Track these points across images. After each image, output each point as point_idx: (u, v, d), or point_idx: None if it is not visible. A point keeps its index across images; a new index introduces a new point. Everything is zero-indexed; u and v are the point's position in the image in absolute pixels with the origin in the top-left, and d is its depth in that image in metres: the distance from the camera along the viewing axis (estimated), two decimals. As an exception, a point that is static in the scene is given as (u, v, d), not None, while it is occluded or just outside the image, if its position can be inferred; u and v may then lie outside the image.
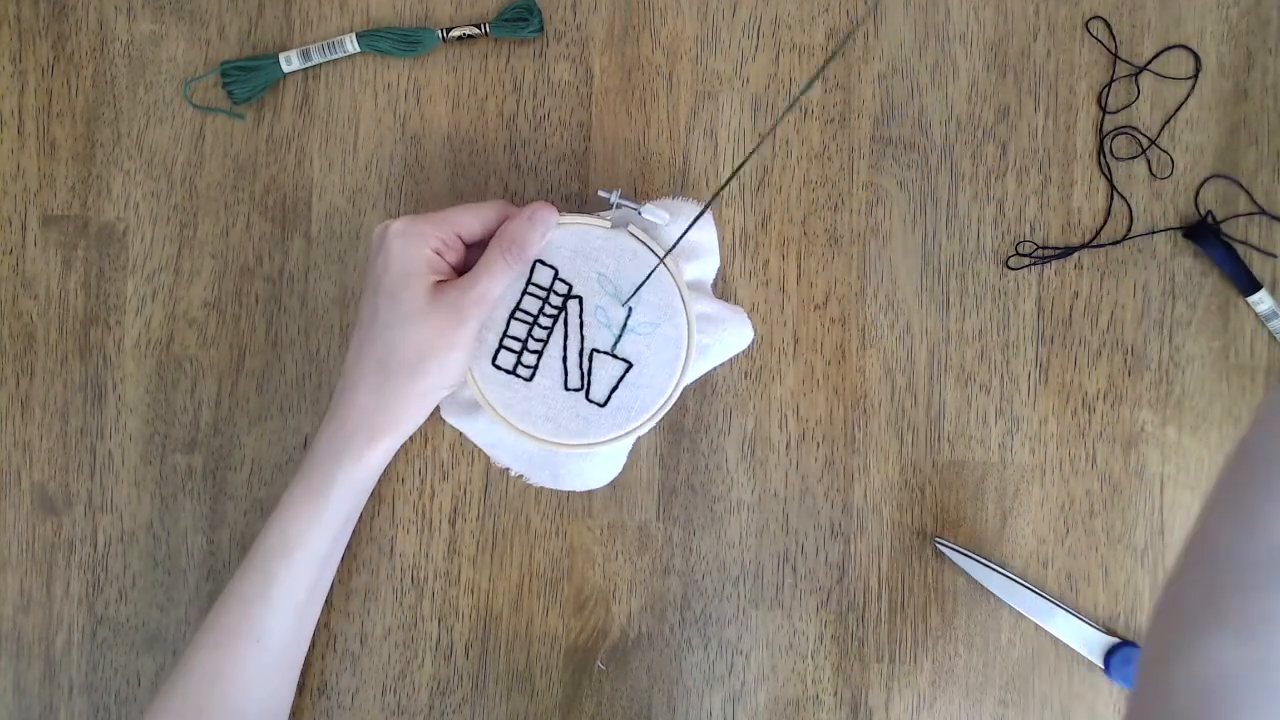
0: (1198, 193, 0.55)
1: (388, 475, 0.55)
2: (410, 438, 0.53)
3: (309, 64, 0.56)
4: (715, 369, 0.55)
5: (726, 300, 0.56)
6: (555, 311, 0.51)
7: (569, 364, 0.51)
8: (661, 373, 0.51)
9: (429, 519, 0.56)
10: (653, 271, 0.50)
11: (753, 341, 0.54)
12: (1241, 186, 0.55)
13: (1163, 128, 0.55)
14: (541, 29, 0.56)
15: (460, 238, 0.50)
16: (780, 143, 0.56)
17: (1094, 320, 0.55)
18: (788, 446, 0.55)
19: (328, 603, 0.55)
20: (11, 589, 0.57)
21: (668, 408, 0.51)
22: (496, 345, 0.51)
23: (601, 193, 0.51)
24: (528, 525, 0.56)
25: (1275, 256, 0.55)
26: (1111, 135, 0.55)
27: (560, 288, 0.51)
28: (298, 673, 0.53)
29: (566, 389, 0.51)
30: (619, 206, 0.51)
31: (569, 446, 0.51)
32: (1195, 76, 0.55)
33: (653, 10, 0.56)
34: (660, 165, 0.56)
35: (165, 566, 0.57)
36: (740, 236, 0.56)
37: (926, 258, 0.56)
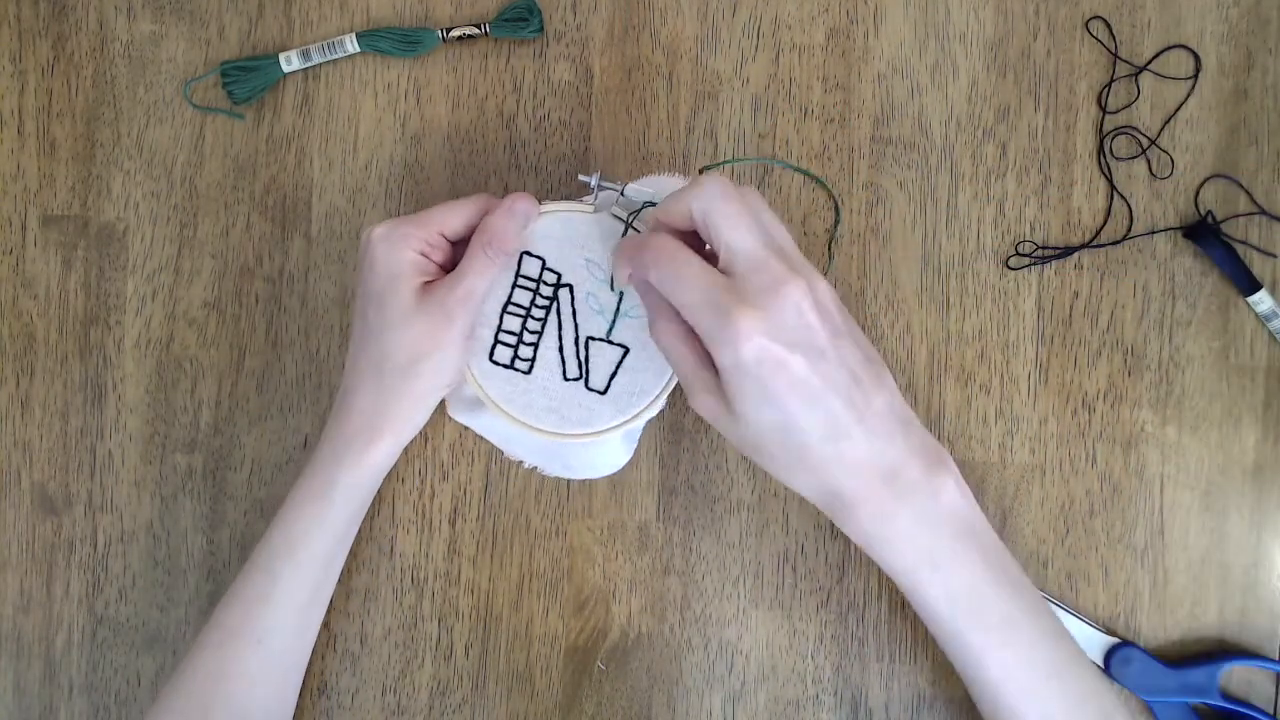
0: (1198, 193, 0.55)
1: (388, 475, 0.55)
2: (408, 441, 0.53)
3: (309, 64, 0.56)
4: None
5: None
6: (547, 302, 0.51)
7: (565, 354, 0.51)
8: (659, 356, 0.50)
9: (429, 519, 0.56)
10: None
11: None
12: (1241, 186, 0.55)
13: (1163, 128, 0.55)
14: (541, 29, 0.56)
15: (444, 236, 0.49)
16: (780, 143, 0.56)
17: (1094, 320, 0.55)
18: (788, 446, 0.55)
19: (329, 603, 0.55)
20: (11, 589, 0.57)
21: (670, 388, 0.50)
22: (492, 340, 0.51)
23: (582, 177, 0.50)
24: (528, 525, 0.56)
25: (1275, 256, 0.55)
26: (1111, 135, 0.55)
27: (549, 277, 0.50)
28: (301, 673, 0.53)
29: (566, 379, 0.51)
30: (601, 189, 0.50)
31: (575, 436, 0.51)
32: (1195, 76, 0.55)
33: (653, 10, 0.56)
34: (660, 165, 0.56)
35: (165, 566, 0.57)
36: (740, 236, 0.56)
37: (926, 258, 0.55)
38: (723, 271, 0.43)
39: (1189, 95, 0.55)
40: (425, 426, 0.54)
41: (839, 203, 0.55)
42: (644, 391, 0.50)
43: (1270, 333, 0.55)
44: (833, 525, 0.55)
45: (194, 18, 0.57)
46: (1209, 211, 0.55)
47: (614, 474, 0.55)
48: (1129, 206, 0.55)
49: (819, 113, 0.56)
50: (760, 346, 0.41)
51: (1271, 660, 0.54)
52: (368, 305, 0.49)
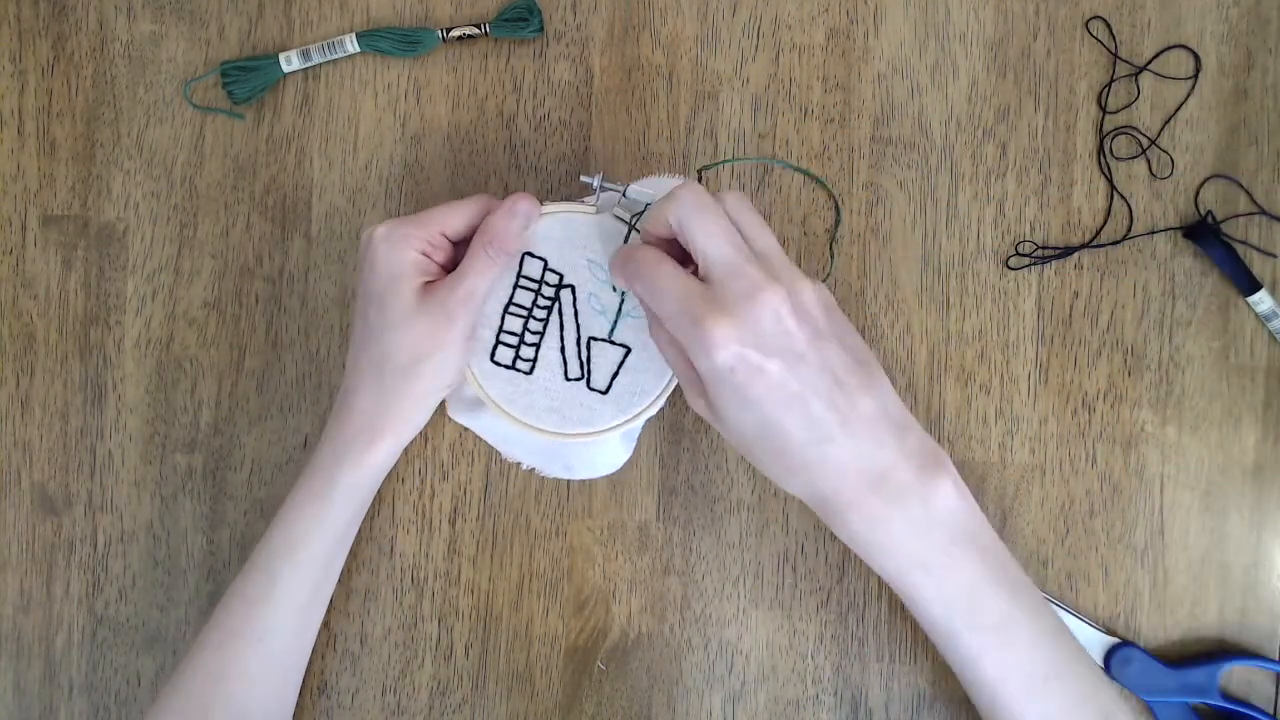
0: (1198, 193, 0.55)
1: (388, 475, 0.55)
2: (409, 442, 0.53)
3: (309, 64, 0.56)
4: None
5: None
6: (548, 303, 0.51)
7: (567, 354, 0.51)
8: (661, 355, 0.49)
9: (429, 519, 0.56)
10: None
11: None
12: (1241, 186, 0.55)
13: (1163, 128, 0.55)
14: (541, 29, 0.56)
15: (446, 236, 0.49)
16: (780, 143, 0.56)
17: (1094, 320, 0.55)
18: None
19: (329, 603, 0.55)
20: (11, 589, 0.57)
21: (670, 388, 0.51)
22: (493, 341, 0.51)
23: (584, 178, 0.50)
24: (528, 525, 0.56)
25: (1275, 256, 0.55)
26: (1111, 135, 0.55)
27: (551, 278, 0.51)
28: (301, 673, 0.53)
29: (567, 379, 0.51)
30: (603, 190, 0.50)
31: (576, 436, 0.51)
32: (1195, 76, 0.55)
33: (653, 10, 0.56)
34: (660, 165, 0.56)
35: (165, 566, 0.57)
36: (740, 236, 0.56)
37: (926, 258, 0.55)
38: (701, 279, 0.43)
39: (1189, 95, 0.55)
40: (425, 427, 0.54)
41: (839, 203, 0.55)
42: (645, 391, 0.51)
43: (1270, 333, 0.55)
44: (833, 525, 0.55)
45: (194, 18, 0.57)
46: (1209, 211, 0.55)
47: (613, 474, 0.55)
48: (1129, 206, 0.55)
49: (819, 113, 0.56)
50: (734, 354, 0.41)
51: (1271, 660, 0.54)
52: (369, 305, 0.49)
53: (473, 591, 0.56)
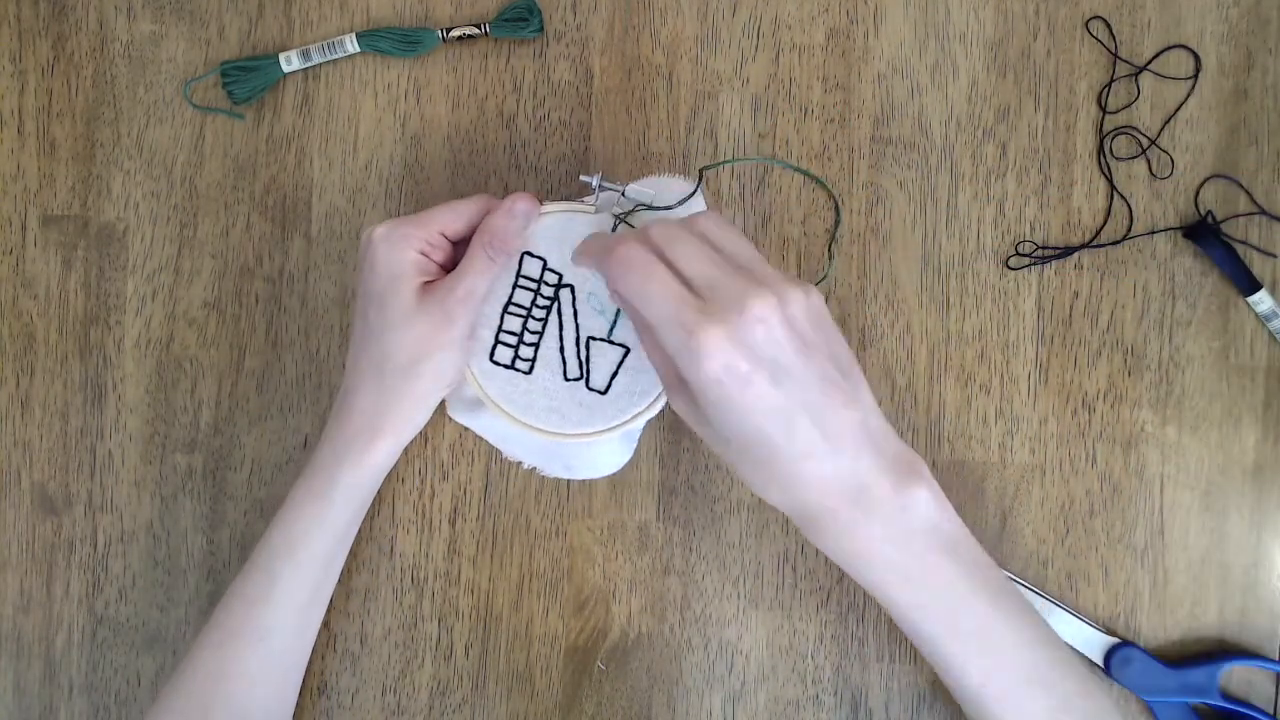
0: (1198, 193, 0.55)
1: (388, 475, 0.55)
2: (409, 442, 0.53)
3: (309, 64, 0.56)
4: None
5: None
6: (547, 302, 0.51)
7: (566, 354, 0.51)
8: None
9: (429, 519, 0.56)
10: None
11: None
12: (1241, 186, 0.55)
13: (1163, 128, 0.55)
14: (541, 29, 0.56)
15: (445, 236, 0.49)
16: (780, 143, 0.56)
17: (1094, 320, 0.55)
18: (788, 446, 0.55)
19: (329, 602, 0.55)
20: (11, 589, 0.57)
21: None
22: (493, 341, 0.51)
23: (583, 177, 0.51)
24: (528, 525, 0.56)
25: (1275, 256, 0.55)
26: (1111, 135, 0.55)
27: (550, 278, 0.51)
28: (301, 673, 0.53)
29: (566, 379, 0.51)
30: (602, 189, 0.50)
31: (575, 437, 0.51)
32: (1195, 76, 0.55)
33: (653, 10, 0.56)
34: (660, 165, 0.56)
35: (165, 566, 0.57)
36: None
37: (926, 258, 0.55)
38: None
39: (1189, 95, 0.55)
40: (425, 426, 0.54)
41: (839, 203, 0.55)
42: (645, 392, 0.50)
43: (1270, 333, 0.55)
44: (833, 525, 0.55)
45: (194, 18, 0.57)
46: (1209, 211, 0.55)
47: (614, 474, 0.55)
48: (1129, 206, 0.55)
49: (819, 113, 0.56)
50: (723, 365, 0.40)
51: (1271, 660, 0.54)
52: (368, 305, 0.49)
53: (473, 591, 0.56)
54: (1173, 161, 0.55)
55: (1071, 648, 0.54)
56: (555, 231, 0.50)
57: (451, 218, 0.49)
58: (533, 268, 0.51)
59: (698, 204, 0.53)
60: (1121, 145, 0.55)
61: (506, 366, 0.51)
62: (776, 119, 0.56)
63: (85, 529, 0.57)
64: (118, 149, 0.57)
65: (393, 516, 0.56)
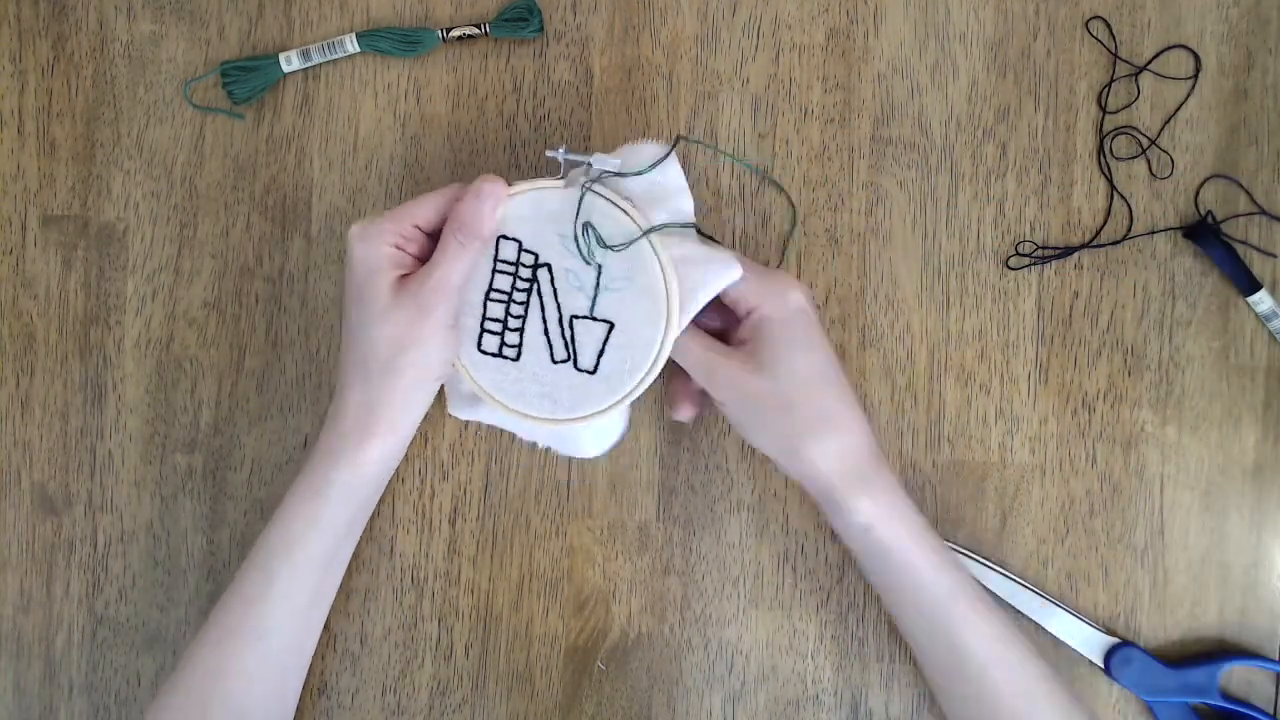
0: (1198, 193, 0.55)
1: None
2: (410, 439, 0.53)
3: (309, 64, 0.56)
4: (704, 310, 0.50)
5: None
6: (527, 284, 0.49)
7: (551, 336, 0.49)
8: (646, 327, 0.48)
9: (429, 519, 0.56)
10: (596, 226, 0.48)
11: (742, 276, 0.49)
12: (1241, 186, 0.55)
13: (1163, 128, 0.55)
14: (541, 29, 0.56)
15: (419, 228, 0.49)
16: (780, 143, 0.56)
17: (1094, 320, 0.55)
18: (788, 446, 0.55)
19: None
20: (11, 589, 0.57)
21: (662, 361, 0.48)
22: (478, 329, 0.50)
23: (549, 152, 0.49)
24: (528, 525, 0.56)
25: (1275, 256, 0.55)
26: (1111, 135, 0.55)
27: (527, 259, 0.49)
28: (303, 673, 0.53)
29: (554, 362, 0.49)
30: (568, 162, 0.49)
31: (570, 421, 0.50)
32: (1195, 76, 0.55)
33: (653, 10, 0.56)
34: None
35: (165, 566, 0.57)
36: (740, 236, 0.56)
37: (926, 258, 0.55)
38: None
39: (1189, 95, 0.55)
40: (425, 427, 0.54)
41: (795, 206, 0.55)
42: (635, 368, 0.49)
43: (1270, 333, 0.55)
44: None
45: (194, 18, 0.57)
46: (1209, 211, 0.55)
47: (618, 472, 0.55)
48: (1129, 206, 0.55)
49: (819, 113, 0.56)
50: (806, 296, 0.49)
51: (1271, 660, 0.54)
52: (349, 303, 0.49)
53: (473, 591, 0.56)
54: (1173, 161, 0.55)
55: (1070, 647, 0.54)
56: (527, 211, 0.49)
57: (423, 208, 0.49)
58: (509, 250, 0.49)
59: (672, 170, 0.50)
60: (1121, 145, 0.55)
61: (494, 355, 0.50)
62: (776, 119, 0.56)
63: (85, 529, 0.57)
64: (118, 149, 0.57)
65: (393, 516, 0.56)
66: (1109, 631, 0.54)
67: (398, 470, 0.56)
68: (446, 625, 0.56)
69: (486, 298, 0.49)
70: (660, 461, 0.56)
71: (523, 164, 0.56)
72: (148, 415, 0.57)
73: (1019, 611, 0.54)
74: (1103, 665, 0.53)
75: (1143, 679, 0.53)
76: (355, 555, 0.55)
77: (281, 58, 0.56)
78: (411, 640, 0.56)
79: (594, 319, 0.49)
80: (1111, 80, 0.55)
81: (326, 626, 0.55)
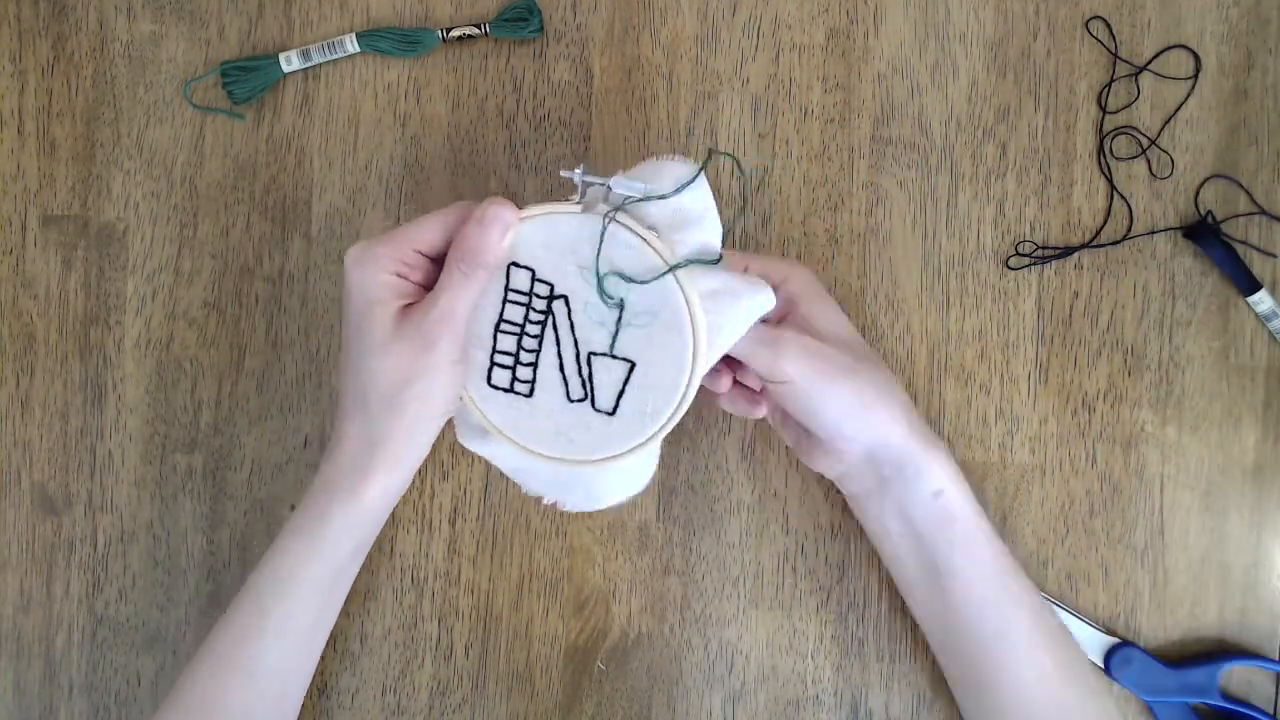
0: (1198, 193, 0.55)
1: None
2: (414, 472, 0.51)
3: (309, 64, 0.56)
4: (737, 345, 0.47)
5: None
6: (541, 317, 0.45)
7: (567, 372, 0.45)
8: (670, 367, 0.44)
9: (429, 519, 0.56)
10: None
11: (774, 308, 0.47)
12: (1241, 186, 0.55)
13: (1163, 128, 0.55)
14: (541, 29, 0.56)
15: (423, 253, 0.45)
16: (780, 143, 0.56)
17: (1094, 320, 0.55)
18: (788, 447, 0.55)
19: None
20: (11, 589, 0.57)
21: (687, 404, 0.45)
22: (488, 362, 0.46)
23: (564, 172, 0.45)
24: (528, 525, 0.56)
25: (1275, 256, 0.55)
26: (1111, 135, 0.55)
27: (541, 289, 0.45)
28: (299, 702, 0.52)
29: (570, 400, 0.46)
30: (585, 184, 0.44)
31: (588, 463, 0.46)
32: (1195, 76, 0.55)
33: (653, 10, 0.56)
34: (660, 165, 0.56)
35: (165, 566, 0.57)
36: (740, 236, 0.56)
37: (926, 258, 0.55)
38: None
39: (1189, 95, 0.55)
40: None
41: (740, 164, 0.56)
42: (657, 411, 0.45)
43: (1270, 333, 0.55)
44: (833, 525, 0.55)
45: (194, 18, 0.57)
46: (1209, 211, 0.55)
47: (641, 491, 0.51)
48: (1129, 206, 0.55)
49: (819, 113, 0.56)
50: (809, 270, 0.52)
51: (1271, 660, 0.54)
52: (348, 333, 0.46)
53: (473, 591, 0.56)
54: (1173, 161, 0.55)
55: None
56: (541, 237, 0.44)
57: (426, 232, 0.45)
58: (521, 279, 0.45)
59: (699, 191, 0.45)
60: (1121, 145, 0.55)
61: (505, 390, 0.46)
62: (776, 119, 0.56)
63: (85, 529, 0.57)
64: (118, 149, 0.57)
65: (393, 516, 0.56)
66: (1109, 631, 0.54)
67: (398, 470, 0.56)
68: (446, 625, 0.56)
69: (497, 329, 0.46)
70: (660, 461, 0.56)
71: (523, 164, 0.56)
72: (148, 415, 0.57)
73: (1019, 611, 0.54)
74: (1103, 665, 0.53)
75: (1143, 679, 0.53)
76: (363, 559, 0.55)
77: (281, 58, 0.56)
78: (411, 640, 0.56)
79: (614, 357, 0.45)
80: (1111, 80, 0.55)
81: (326, 626, 0.55)
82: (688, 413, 0.45)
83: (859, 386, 0.47)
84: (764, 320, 0.47)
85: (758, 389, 0.50)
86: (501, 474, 0.55)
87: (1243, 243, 0.54)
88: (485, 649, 0.56)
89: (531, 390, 0.46)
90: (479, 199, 0.46)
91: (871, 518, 0.51)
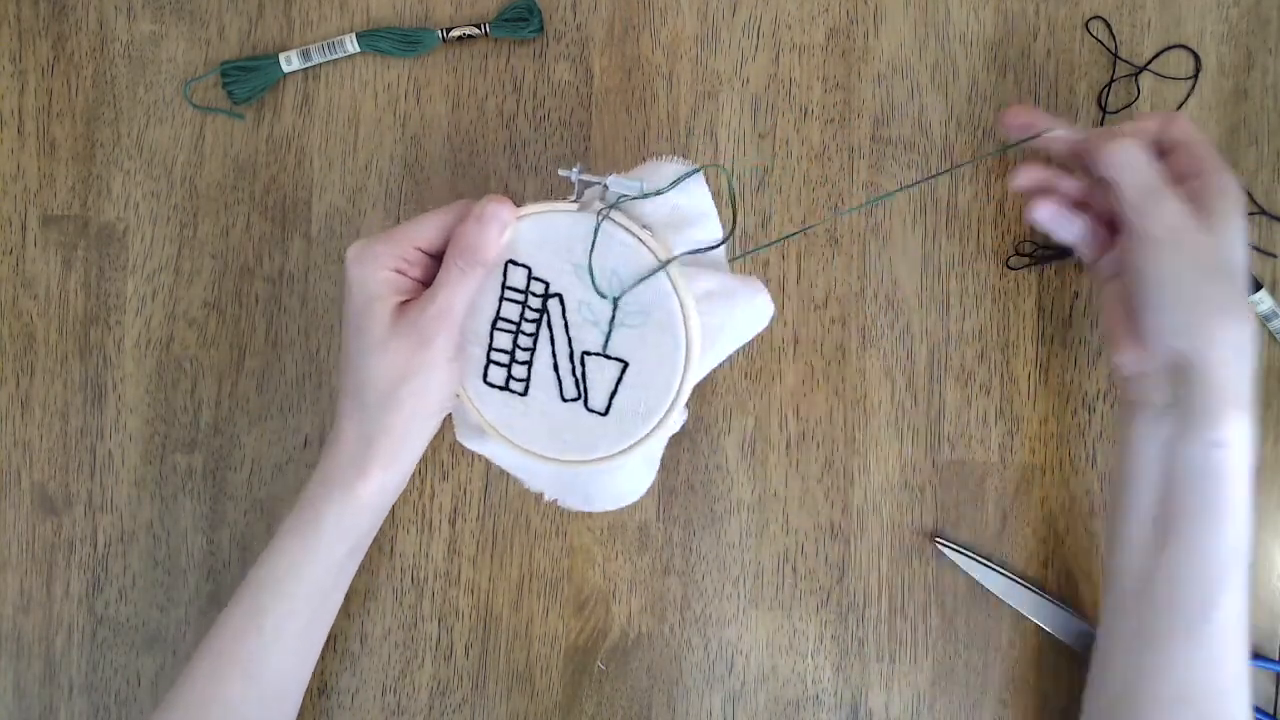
0: (1198, 193, 0.55)
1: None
2: (412, 470, 0.51)
3: (309, 64, 0.56)
4: (736, 352, 0.49)
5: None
6: (536, 315, 0.46)
7: (561, 371, 0.46)
8: (662, 368, 0.44)
9: (429, 519, 0.56)
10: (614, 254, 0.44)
11: (773, 316, 0.48)
12: (1241, 186, 0.55)
13: (1163, 128, 0.55)
14: (541, 29, 0.56)
15: (422, 250, 0.46)
16: (780, 143, 0.56)
17: (1094, 320, 0.55)
18: (788, 446, 0.55)
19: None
20: (11, 589, 0.57)
21: (679, 406, 0.45)
22: (484, 360, 0.46)
23: (561, 171, 0.45)
24: (528, 525, 0.56)
25: (1275, 256, 0.55)
26: (1111, 135, 0.55)
27: (537, 287, 0.45)
28: (298, 701, 0.52)
29: (564, 400, 0.46)
30: (582, 183, 0.45)
31: (582, 464, 0.46)
32: (1195, 76, 0.55)
33: (653, 10, 0.56)
34: (660, 165, 0.56)
35: (165, 566, 0.57)
36: (740, 236, 0.56)
37: (926, 258, 0.55)
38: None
39: (1189, 95, 0.55)
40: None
41: (731, 176, 0.54)
42: (650, 411, 0.45)
43: (1270, 333, 0.55)
44: (832, 525, 0.55)
45: (194, 18, 0.57)
46: (1209, 211, 0.55)
47: (638, 500, 0.51)
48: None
49: (819, 113, 0.56)
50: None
51: (1271, 660, 0.54)
52: (347, 330, 0.46)
53: (473, 591, 0.56)
54: (1173, 161, 0.55)
55: (1070, 647, 0.54)
56: (537, 235, 0.45)
57: (425, 230, 0.46)
58: (518, 277, 0.45)
59: (698, 192, 0.46)
60: (1121, 145, 0.55)
61: (500, 388, 0.46)
62: (776, 119, 0.56)
63: (85, 529, 0.57)
64: (118, 149, 0.57)
65: (393, 516, 0.56)
66: (1109, 631, 0.54)
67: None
68: (446, 625, 0.56)
69: (493, 326, 0.46)
70: (660, 461, 0.56)
71: (523, 164, 0.56)
72: (148, 415, 0.57)
73: (1019, 612, 0.54)
74: (1103, 665, 0.53)
75: (1143, 679, 0.53)
76: (362, 557, 0.55)
77: (281, 58, 0.56)
78: (411, 640, 0.56)
79: (607, 356, 0.45)
80: (1111, 80, 0.55)
81: (326, 626, 0.55)
82: (688, 414, 0.45)
83: (1207, 299, 0.44)
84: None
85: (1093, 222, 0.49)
86: (501, 474, 0.56)
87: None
88: (485, 649, 0.56)
89: (526, 388, 0.46)
90: (478, 198, 0.46)
91: (1136, 434, 0.47)
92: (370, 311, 0.45)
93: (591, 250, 0.44)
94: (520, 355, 0.46)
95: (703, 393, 0.56)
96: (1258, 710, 0.53)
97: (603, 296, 0.45)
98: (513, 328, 0.46)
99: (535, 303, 0.46)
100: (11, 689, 0.57)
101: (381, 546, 0.56)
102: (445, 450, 0.56)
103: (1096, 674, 0.49)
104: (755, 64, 0.56)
